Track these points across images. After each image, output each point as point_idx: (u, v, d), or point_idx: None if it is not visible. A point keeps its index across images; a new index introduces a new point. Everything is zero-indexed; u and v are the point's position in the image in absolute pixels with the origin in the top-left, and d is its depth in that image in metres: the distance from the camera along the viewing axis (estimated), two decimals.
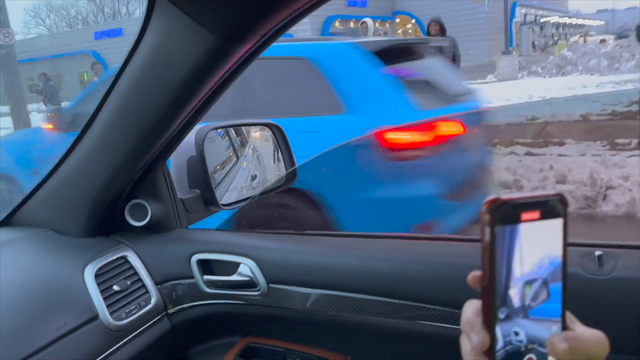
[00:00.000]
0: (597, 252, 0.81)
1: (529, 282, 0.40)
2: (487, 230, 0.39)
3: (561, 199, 0.40)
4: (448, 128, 2.67)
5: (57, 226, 1.09)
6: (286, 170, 1.33)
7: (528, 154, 5.57)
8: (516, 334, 0.41)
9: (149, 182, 1.10)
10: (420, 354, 1.02)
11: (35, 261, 1.01)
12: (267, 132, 1.35)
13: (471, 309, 0.44)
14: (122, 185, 1.05)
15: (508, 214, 0.39)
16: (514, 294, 0.40)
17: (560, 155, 5.32)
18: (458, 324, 0.88)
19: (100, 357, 0.92)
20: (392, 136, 2.59)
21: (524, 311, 0.41)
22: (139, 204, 1.10)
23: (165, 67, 0.88)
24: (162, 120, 0.95)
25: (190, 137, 1.16)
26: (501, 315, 0.41)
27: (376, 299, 0.96)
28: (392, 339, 1.04)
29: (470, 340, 0.42)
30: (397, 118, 2.62)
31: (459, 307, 0.88)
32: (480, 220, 0.39)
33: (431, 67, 3.37)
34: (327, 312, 1.01)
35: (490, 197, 0.39)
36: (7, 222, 1.14)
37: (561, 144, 5.70)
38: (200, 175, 1.18)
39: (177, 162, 1.19)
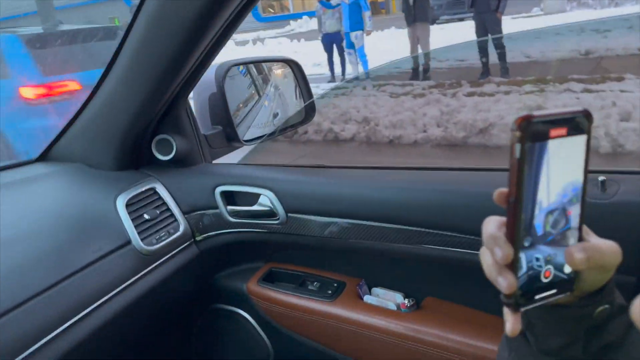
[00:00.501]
0: (601, 178, 0.81)
1: (550, 212, 0.42)
2: (518, 146, 0.39)
3: (586, 115, 0.41)
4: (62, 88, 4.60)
5: (89, 160, 1.18)
6: (305, 106, 1.36)
7: (585, 90, 5.27)
8: (537, 259, 0.43)
9: (172, 118, 1.16)
10: (427, 274, 1.07)
11: (70, 192, 1.11)
12: (287, 70, 1.37)
13: (493, 223, 0.44)
14: (147, 121, 1.12)
15: (538, 130, 0.39)
16: (538, 221, 0.42)
17: (621, 91, 5.01)
18: (463, 248, 0.92)
19: (133, 278, 1.01)
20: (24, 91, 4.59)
21: (544, 238, 0.43)
22: (164, 139, 1.17)
23: (179, 3, 0.91)
24: (178, 57, 0.99)
25: (211, 75, 1.21)
26: (526, 244, 0.42)
27: (388, 226, 1.00)
28: (402, 263, 1.09)
29: (494, 254, 0.42)
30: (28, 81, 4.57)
31: (464, 232, 0.91)
32: (511, 138, 0.40)
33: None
34: (342, 239, 1.06)
35: (522, 114, 0.39)
36: (42, 157, 1.24)
37: (620, 79, 5.35)
38: (221, 111, 1.23)
39: (199, 99, 1.24)
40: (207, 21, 0.93)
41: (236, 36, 15.54)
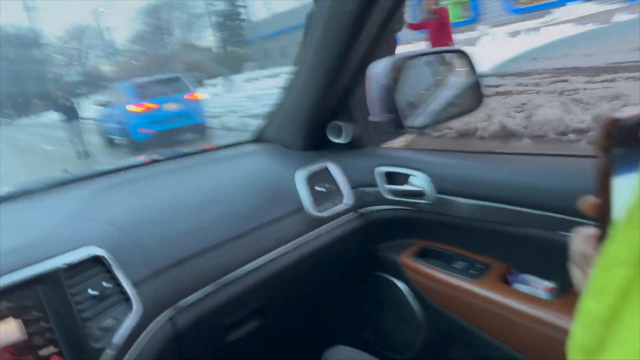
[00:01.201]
0: None
1: None
2: (603, 154, 0.36)
3: None
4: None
5: (284, 141, 1.46)
6: (474, 95, 1.40)
7: None
8: None
9: (346, 106, 1.35)
10: None
11: (266, 166, 1.40)
12: (457, 60, 1.43)
13: (581, 238, 0.41)
14: (324, 108, 1.34)
15: (625, 134, 0.35)
16: None
17: None
18: None
19: (305, 237, 1.25)
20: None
21: None
22: (339, 125, 1.37)
23: (340, 3, 1.08)
24: (345, 51, 1.18)
25: (385, 66, 1.36)
26: None
27: (537, 212, 1.01)
28: (550, 251, 1.07)
29: (586, 274, 0.40)
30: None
31: None
32: (596, 144, 0.37)
33: None
34: (490, 221, 1.10)
35: (607, 118, 0.36)
36: (256, 139, 1.57)
37: None
38: (391, 100, 1.37)
39: (373, 89, 1.40)
40: (365, 17, 1.09)
41: (493, 30, 14.94)
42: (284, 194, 1.28)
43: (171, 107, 7.96)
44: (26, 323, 0.85)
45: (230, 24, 41.77)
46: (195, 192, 1.24)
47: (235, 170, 1.38)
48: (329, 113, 1.36)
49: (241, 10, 41.94)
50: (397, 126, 1.41)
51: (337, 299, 1.58)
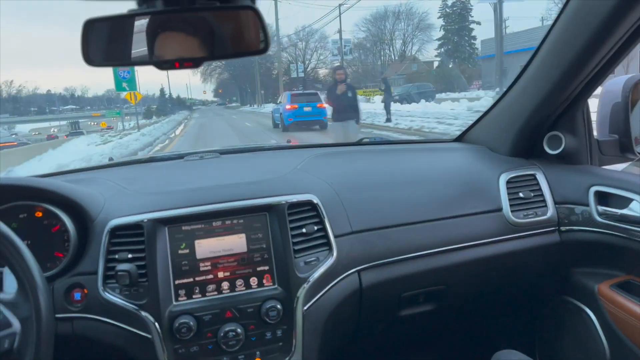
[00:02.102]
0: None
1: None
2: None
3: None
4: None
5: (490, 144, 1.47)
6: None
7: None
8: None
9: (567, 118, 1.30)
10: None
11: (468, 163, 1.42)
12: None
13: None
14: (545, 117, 1.31)
15: None
16: None
17: None
18: None
19: (496, 238, 1.25)
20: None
21: None
22: (555, 136, 1.33)
23: (594, 2, 1.04)
24: (582, 57, 1.13)
25: (620, 84, 1.28)
26: None
27: None
28: None
29: None
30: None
31: None
32: None
33: None
34: None
35: None
36: (458, 139, 1.61)
37: None
38: (621, 121, 1.28)
39: (602, 105, 1.32)
40: (617, 23, 1.03)
41: None
42: (483, 193, 1.30)
43: (306, 109, 14.14)
44: (250, 241, 1.05)
45: (459, 40, 41.61)
46: (399, 171, 1.34)
47: (437, 162, 1.44)
48: (549, 122, 1.33)
49: (473, 27, 41.42)
50: (624, 150, 1.31)
51: (515, 309, 1.53)
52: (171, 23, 0.69)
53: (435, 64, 42.62)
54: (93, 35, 0.69)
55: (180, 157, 1.45)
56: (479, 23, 40.89)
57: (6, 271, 0.80)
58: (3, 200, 1.02)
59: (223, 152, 1.47)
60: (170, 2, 0.65)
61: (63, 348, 0.92)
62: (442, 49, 42.52)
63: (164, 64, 0.69)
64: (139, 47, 0.67)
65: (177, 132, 20.41)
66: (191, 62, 0.70)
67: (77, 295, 1.00)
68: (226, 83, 64.40)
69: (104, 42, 0.69)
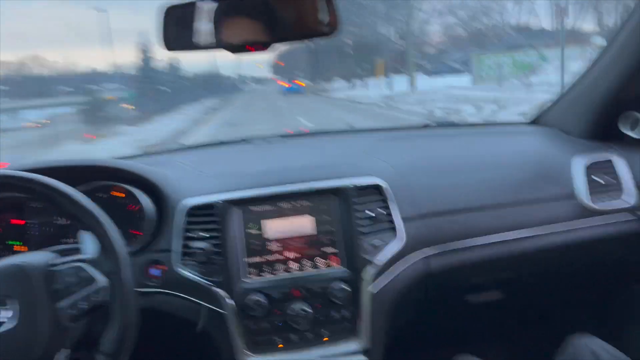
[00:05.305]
0: None
1: None
2: None
3: None
4: None
5: (564, 127, 1.39)
6: None
7: None
8: None
9: None
10: None
11: (540, 146, 1.35)
12: None
13: None
14: (626, 96, 1.22)
15: None
16: None
17: None
18: None
19: (571, 222, 1.18)
20: None
21: None
22: (636, 116, 1.24)
23: None
24: None
25: None
26: None
27: None
28: None
29: None
30: None
31: None
32: None
33: None
34: None
35: None
36: (534, 121, 1.54)
37: None
38: None
39: None
40: None
41: None
42: (555, 177, 1.24)
43: (289, 85, 32.46)
44: (317, 222, 1.07)
45: None
46: (466, 155, 1.31)
47: (506, 145, 1.39)
48: (627, 101, 1.24)
49: None
50: None
51: (587, 296, 1.46)
52: (241, 7, 0.71)
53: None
54: (171, 21, 0.72)
55: (247, 141, 1.49)
56: None
57: (86, 236, 0.86)
58: (84, 179, 1.09)
59: (286, 136, 1.50)
60: None
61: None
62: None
63: (238, 48, 0.71)
64: (215, 31, 0.70)
65: None
66: (261, 45, 0.72)
67: (155, 271, 1.06)
68: (290, 53, 44.89)
69: (181, 28, 0.72)
